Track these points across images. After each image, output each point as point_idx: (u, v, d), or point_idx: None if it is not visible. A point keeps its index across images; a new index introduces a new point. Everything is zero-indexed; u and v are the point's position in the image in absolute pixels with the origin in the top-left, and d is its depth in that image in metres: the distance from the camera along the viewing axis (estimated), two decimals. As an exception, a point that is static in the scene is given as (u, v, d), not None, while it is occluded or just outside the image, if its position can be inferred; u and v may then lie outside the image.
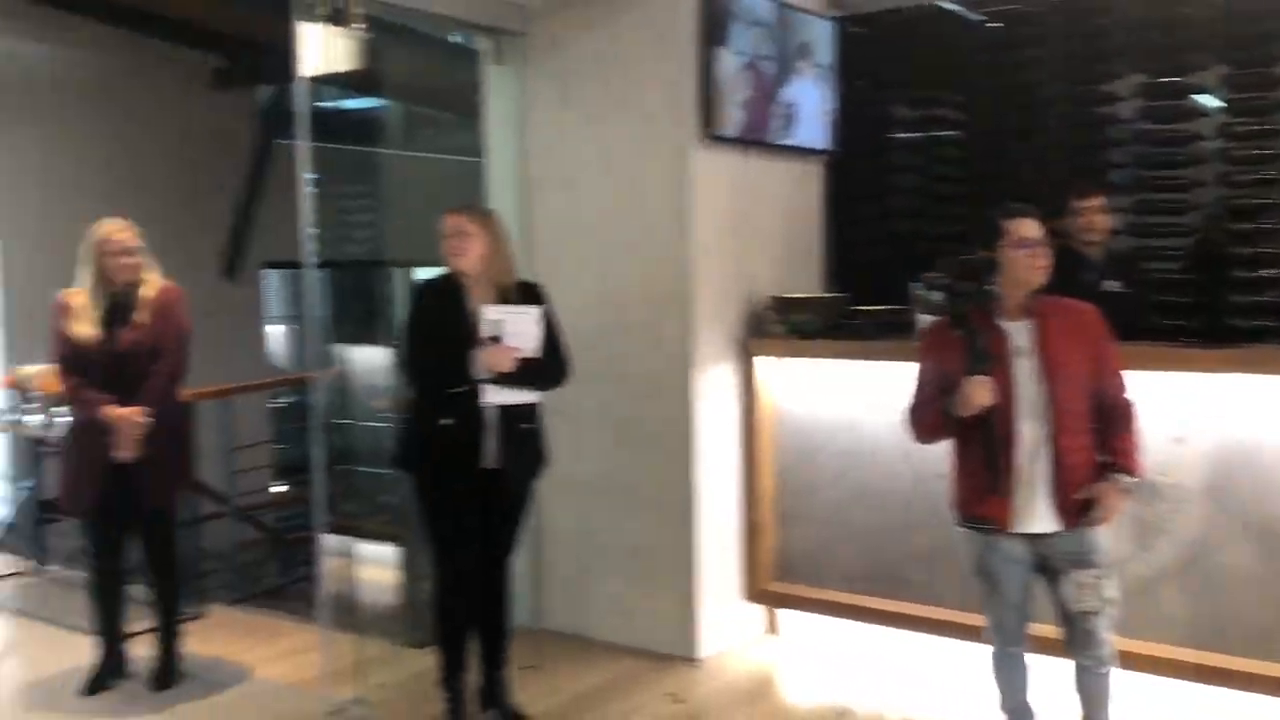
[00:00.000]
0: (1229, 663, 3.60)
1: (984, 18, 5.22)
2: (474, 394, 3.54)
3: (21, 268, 6.94)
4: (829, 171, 5.10)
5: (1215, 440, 3.64)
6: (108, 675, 4.22)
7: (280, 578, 5.87)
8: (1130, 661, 3.39)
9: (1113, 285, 4.10)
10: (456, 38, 5.03)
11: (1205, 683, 3.66)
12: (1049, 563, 3.04)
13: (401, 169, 5.93)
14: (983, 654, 3.27)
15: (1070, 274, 3.53)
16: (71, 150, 7.22)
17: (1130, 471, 3.00)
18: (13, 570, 5.91)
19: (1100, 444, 3.02)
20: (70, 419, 4.23)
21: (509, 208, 4.42)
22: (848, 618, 4.38)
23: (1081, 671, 3.11)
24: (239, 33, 7.47)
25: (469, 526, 3.65)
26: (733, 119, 4.34)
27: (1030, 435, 2.96)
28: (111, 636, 4.25)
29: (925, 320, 3.66)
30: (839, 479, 4.37)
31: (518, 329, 3.55)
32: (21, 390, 5.32)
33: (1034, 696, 3.24)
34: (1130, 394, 3.06)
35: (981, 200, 4.86)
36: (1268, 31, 4.81)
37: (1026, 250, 2.99)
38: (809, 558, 4.49)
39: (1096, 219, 4.22)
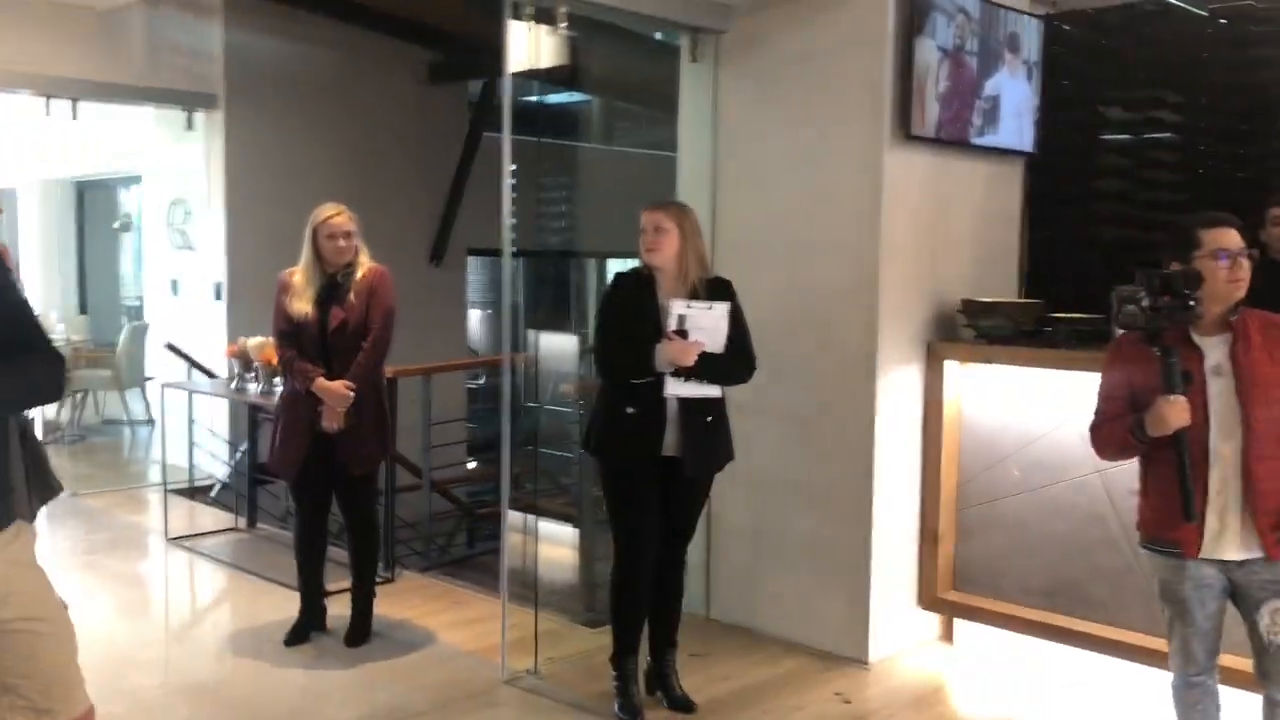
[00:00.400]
0: None
1: (1208, 14, 4.96)
2: (658, 385, 3.64)
3: (245, 247, 7.50)
4: (1031, 173, 4.96)
5: None
6: (307, 628, 4.53)
7: (467, 549, 6.14)
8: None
9: None
10: (656, 35, 5.14)
11: None
12: (1243, 591, 2.89)
13: (599, 163, 6.10)
14: (1165, 681, 3.13)
15: (1270, 286, 3.33)
16: (296, 138, 7.75)
17: None
18: (228, 526, 6.40)
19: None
20: (283, 389, 4.55)
21: (700, 204, 4.48)
22: (1024, 632, 4.26)
23: (1273, 707, 2.94)
24: (454, 29, 7.84)
25: (649, 513, 3.75)
26: (930, 116, 4.27)
27: (1225, 457, 2.82)
28: (311, 593, 4.56)
29: (1122, 331, 3.52)
30: (1025, 489, 4.26)
31: (703, 324, 3.62)
32: (243, 360, 5.74)
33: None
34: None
35: (1198, 208, 4.64)
36: None
37: (1225, 262, 2.84)
38: (988, 568, 4.39)
39: None
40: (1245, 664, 3.02)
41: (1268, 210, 4.03)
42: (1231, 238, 2.89)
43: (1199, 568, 2.89)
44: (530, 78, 4.70)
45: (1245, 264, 2.89)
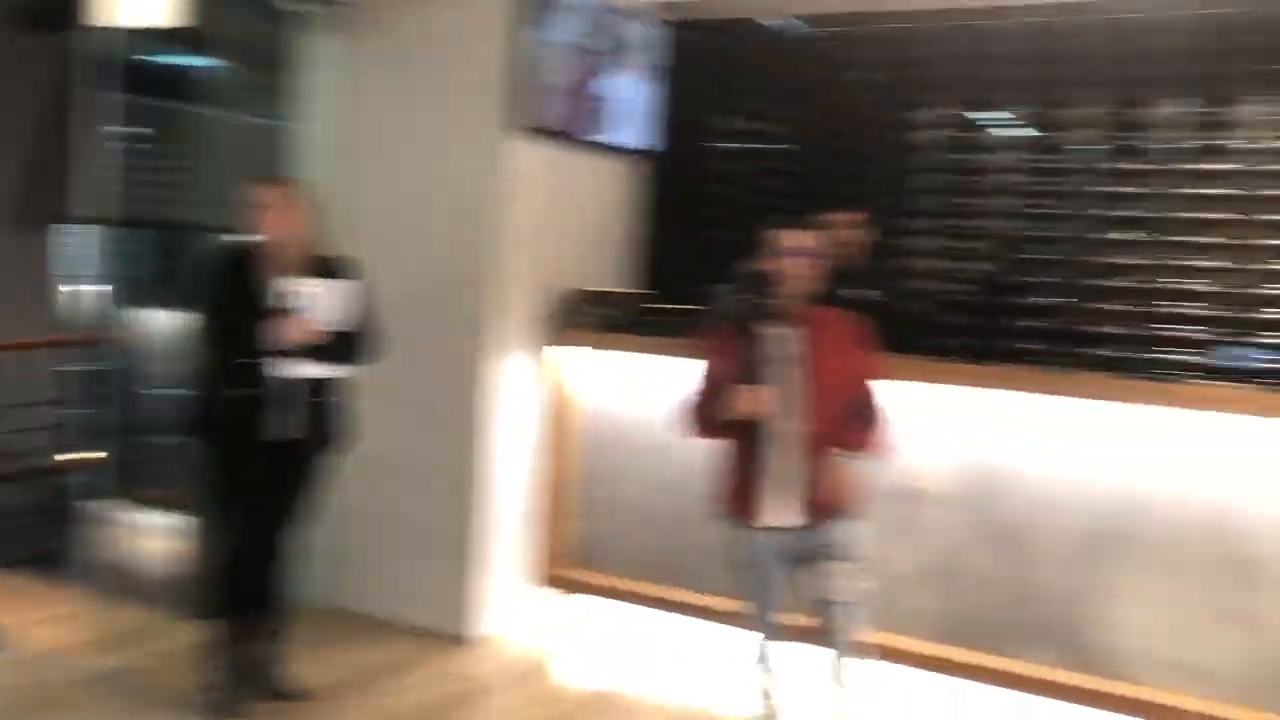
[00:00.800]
0: (969, 657, 3.87)
1: (816, 35, 5.41)
2: (266, 365, 3.51)
3: None
4: (651, 172, 5.21)
5: (972, 451, 3.90)
6: None
7: (55, 543, 5.63)
8: (885, 653, 3.61)
9: (863, 296, 4.22)
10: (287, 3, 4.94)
11: (950, 674, 3.92)
12: (804, 555, 3.21)
13: (215, 131, 5.77)
14: (749, 641, 3.40)
15: (835, 285, 3.70)
16: None
17: (863, 451, 3.18)
18: None
19: (851, 442, 3.20)
20: None
21: (325, 179, 4.37)
22: (639, 604, 4.50)
23: (834, 660, 3.28)
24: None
25: (254, 497, 3.62)
26: (546, 109, 4.38)
27: (791, 437, 3.11)
28: None
29: (712, 323, 3.80)
30: (637, 470, 4.48)
31: (316, 302, 3.53)
32: None
33: (791, 682, 3.40)
34: (878, 398, 3.23)
35: (804, 214, 5.09)
36: (1061, 78, 5.17)
37: (793, 260, 3.15)
38: (604, 545, 4.58)
39: (840, 234, 4.39)
40: (813, 621, 3.34)
41: (823, 217, 4.42)
42: (803, 239, 3.19)
43: (767, 536, 3.18)
44: (142, 35, 4.39)
45: (818, 263, 3.20)
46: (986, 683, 3.86)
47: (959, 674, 3.90)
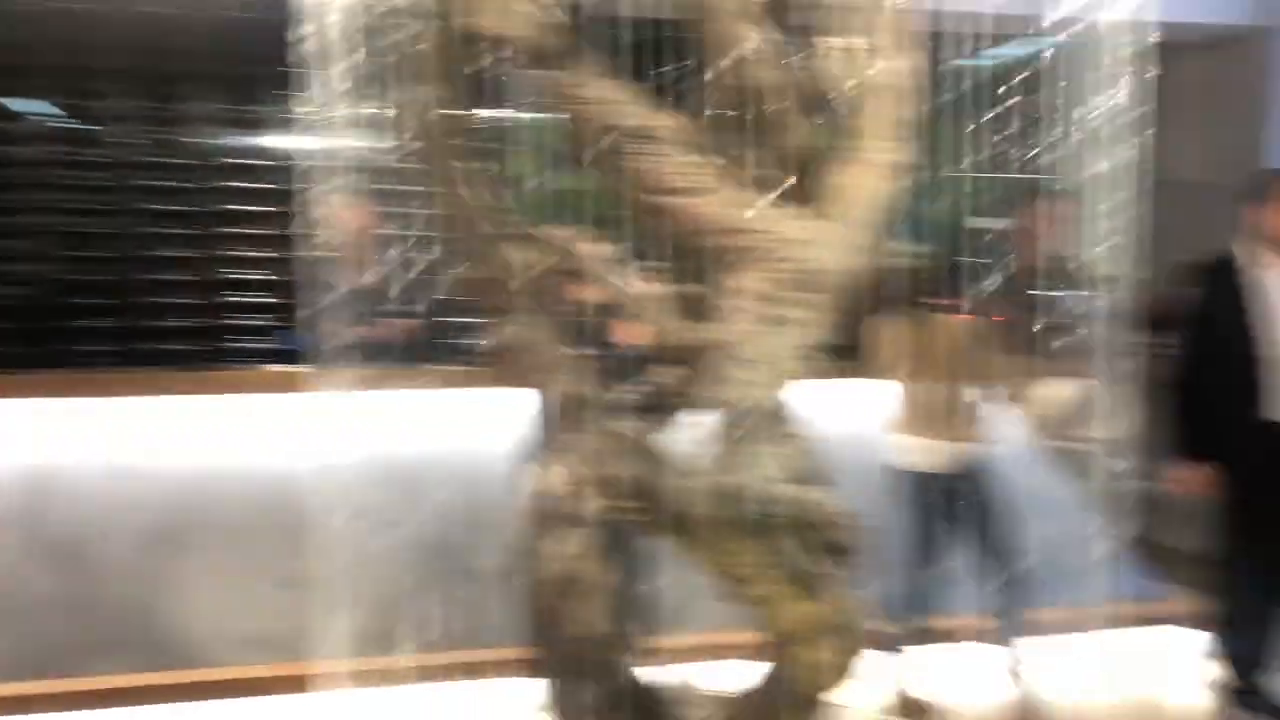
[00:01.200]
0: (36, 688, 3.60)
1: None
2: None
3: None
4: None
5: (24, 468, 3.62)
6: None
7: None
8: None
9: None
10: None
11: (18, 712, 3.61)
12: None
13: None
14: None
15: None
16: None
17: None
18: None
19: None
20: None
21: None
22: None
23: None
24: None
25: None
26: None
27: None
28: None
29: None
30: None
31: None
32: None
33: None
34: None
35: None
36: (98, 68, 5.01)
37: None
38: None
39: None
40: None
41: None
42: None
43: None
44: None
45: None
46: (65, 709, 3.63)
47: (31, 709, 3.61)
